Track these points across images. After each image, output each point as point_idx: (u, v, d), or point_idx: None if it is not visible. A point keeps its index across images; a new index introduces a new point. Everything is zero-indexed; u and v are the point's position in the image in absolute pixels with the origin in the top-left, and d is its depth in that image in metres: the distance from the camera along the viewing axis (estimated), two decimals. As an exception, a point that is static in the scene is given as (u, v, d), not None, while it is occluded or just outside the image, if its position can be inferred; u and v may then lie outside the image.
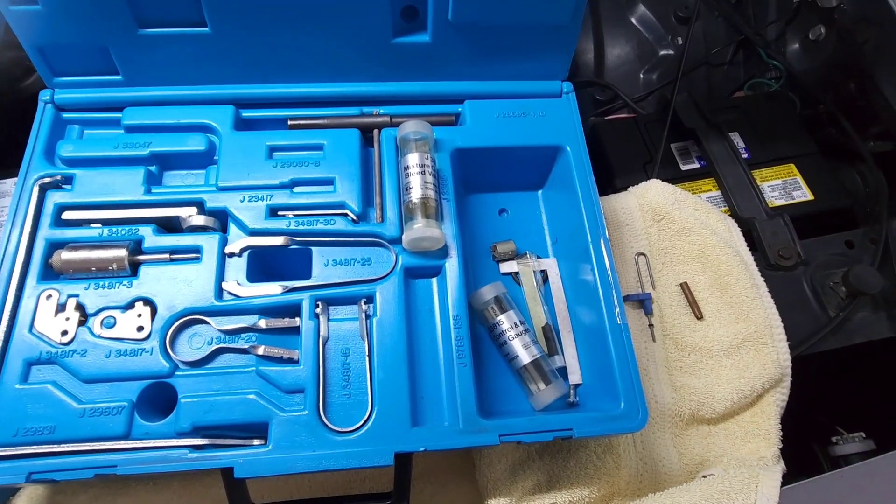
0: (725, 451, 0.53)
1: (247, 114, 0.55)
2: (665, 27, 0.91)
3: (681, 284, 0.59)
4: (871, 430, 0.62)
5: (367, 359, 0.45)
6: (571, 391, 0.50)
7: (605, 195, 0.65)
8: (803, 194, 0.70)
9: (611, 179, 0.74)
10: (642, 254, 0.60)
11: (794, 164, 0.72)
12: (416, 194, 0.49)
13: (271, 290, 0.47)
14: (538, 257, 0.56)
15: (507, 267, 0.55)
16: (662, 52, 0.92)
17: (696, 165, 0.73)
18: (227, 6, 0.49)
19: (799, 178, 0.71)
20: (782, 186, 0.70)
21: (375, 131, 0.55)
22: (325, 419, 0.42)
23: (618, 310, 0.48)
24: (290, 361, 0.45)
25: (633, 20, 0.93)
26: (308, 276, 0.48)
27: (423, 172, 0.50)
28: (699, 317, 0.57)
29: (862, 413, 0.68)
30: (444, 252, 0.49)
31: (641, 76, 0.92)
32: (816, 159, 0.72)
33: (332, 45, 0.53)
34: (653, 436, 0.52)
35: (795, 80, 0.81)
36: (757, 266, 0.60)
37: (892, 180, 0.73)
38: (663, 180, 0.72)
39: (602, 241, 0.50)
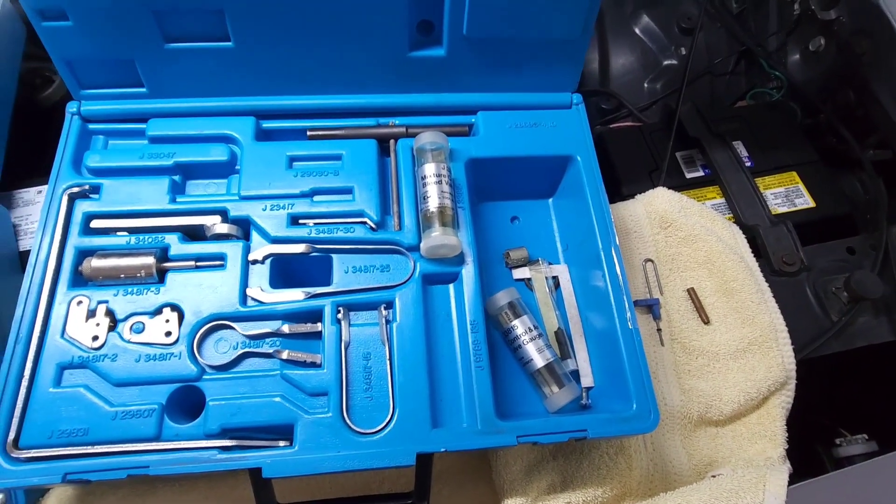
0: (733, 452, 0.54)
1: (267, 125, 0.57)
2: (668, 37, 0.93)
3: (688, 290, 0.61)
4: (874, 432, 0.63)
5: (387, 363, 0.46)
6: (584, 394, 0.52)
7: (612, 203, 0.66)
8: (805, 201, 0.72)
9: (617, 187, 0.75)
10: (650, 260, 0.62)
11: (796, 172, 0.74)
12: (433, 203, 0.51)
13: (294, 297, 0.49)
14: (549, 263, 0.58)
15: (519, 273, 0.57)
16: (666, 62, 0.94)
17: (701, 173, 0.75)
18: (250, 22, 0.50)
19: (801, 186, 0.73)
20: (785, 194, 0.72)
21: (392, 142, 0.57)
22: (348, 421, 0.44)
23: (629, 314, 0.49)
24: (314, 365, 0.47)
25: (637, 31, 0.95)
26: (329, 282, 0.50)
27: (439, 182, 0.52)
28: (706, 321, 0.59)
29: (865, 415, 0.70)
30: (460, 259, 0.51)
31: (646, 85, 0.94)
32: (817, 167, 0.74)
33: (351, 58, 0.55)
34: (663, 437, 0.54)
35: (796, 89, 0.83)
36: (761, 272, 0.62)
37: (892, 188, 0.75)
38: (670, 188, 0.74)
39: (613, 248, 0.52)
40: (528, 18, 0.52)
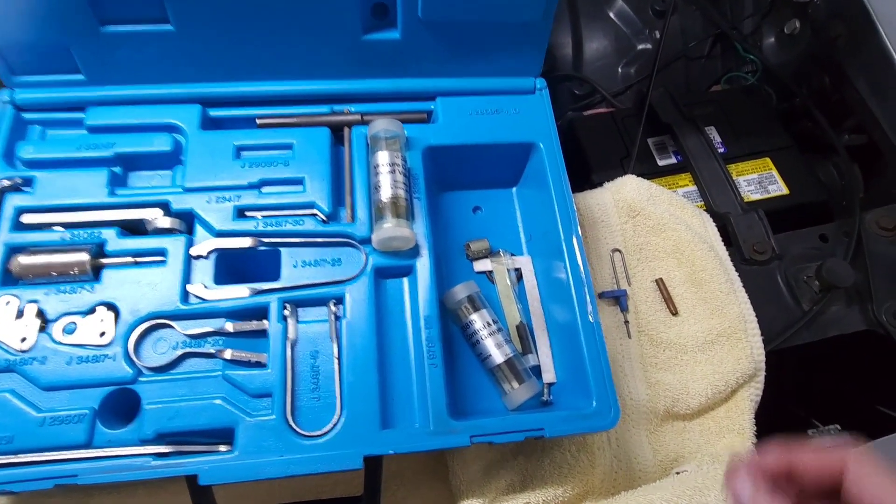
0: (700, 447, 0.53)
1: (215, 113, 0.54)
2: (643, 21, 0.91)
3: (656, 280, 0.59)
4: (847, 423, 0.62)
5: (335, 361, 0.44)
6: (545, 390, 0.50)
7: (580, 191, 0.65)
8: (779, 188, 0.70)
9: (588, 175, 0.73)
10: (618, 250, 0.60)
11: (770, 158, 0.72)
12: (385, 193, 0.48)
13: (239, 293, 0.46)
14: (512, 255, 0.56)
15: (480, 265, 0.55)
16: (640, 46, 0.91)
17: (673, 160, 0.73)
18: (190, 4, 0.48)
19: (774, 172, 0.71)
20: (758, 181, 0.71)
21: (346, 129, 0.54)
22: (292, 423, 0.42)
23: (590, 308, 0.47)
24: (258, 365, 0.44)
25: (612, 14, 0.93)
26: (277, 277, 0.48)
27: (392, 171, 0.49)
28: (674, 313, 0.57)
29: (837, 405, 0.69)
30: (415, 251, 0.49)
31: (619, 70, 0.92)
32: (792, 153, 0.73)
33: (301, 42, 0.52)
34: (627, 433, 0.52)
35: (771, 73, 0.81)
36: (732, 261, 0.60)
37: (867, 173, 0.74)
38: (640, 175, 0.72)
39: (574, 239, 0.50)
40: (486, 1, 0.50)
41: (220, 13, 0.49)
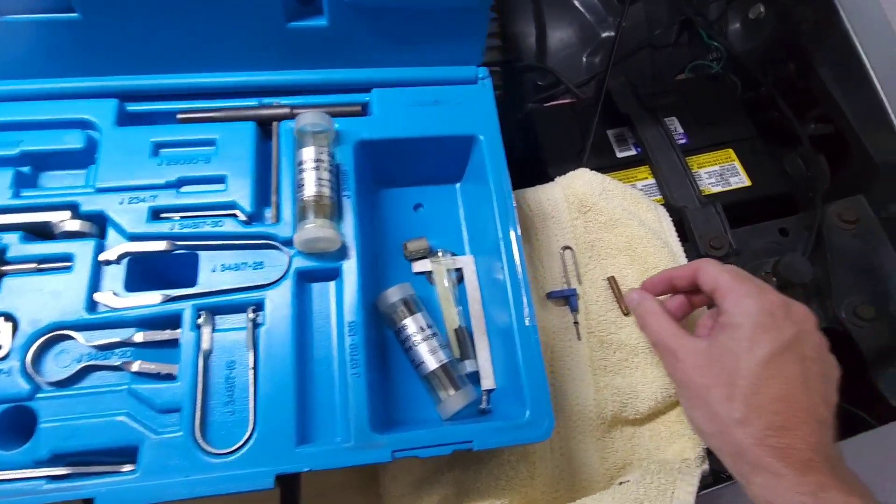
0: (650, 453, 0.51)
1: (133, 107, 0.51)
2: (607, 8, 0.88)
3: (608, 279, 0.56)
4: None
5: (251, 372, 0.41)
6: (484, 397, 0.48)
7: (533, 186, 0.62)
8: (740, 180, 0.67)
9: (544, 169, 0.71)
10: (568, 247, 0.57)
11: (733, 149, 0.70)
12: (308, 191, 0.45)
13: (150, 300, 0.43)
14: (453, 255, 0.53)
15: (419, 266, 0.52)
16: (605, 35, 0.88)
17: (633, 152, 0.70)
18: (94, -11, 0.44)
19: (737, 164, 0.69)
20: (719, 172, 0.68)
21: (274, 124, 0.51)
22: (200, 440, 0.39)
23: (527, 311, 0.45)
24: (168, 377, 0.41)
25: (575, 2, 0.89)
26: (194, 283, 0.45)
27: (317, 168, 0.46)
28: (626, 312, 0.54)
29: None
30: (342, 253, 0.46)
31: (584, 59, 0.89)
32: (755, 144, 0.70)
33: (222, 30, 0.49)
34: (573, 440, 0.50)
35: (736, 61, 0.78)
36: (687, 257, 0.57)
37: (835, 164, 0.71)
38: (599, 168, 0.69)
39: (513, 236, 0.47)
40: (413, -17, 0.47)
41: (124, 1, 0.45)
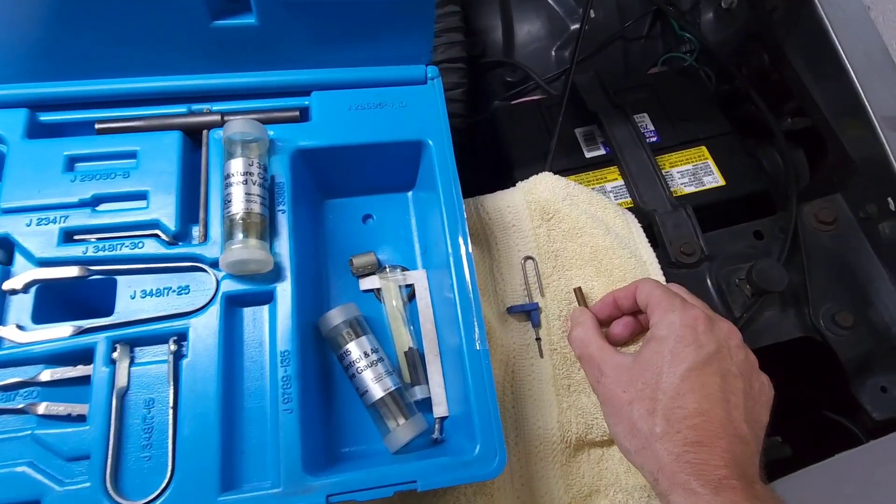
0: (619, 478, 0.47)
1: (46, 118, 0.46)
2: (576, 0, 0.84)
3: (574, 290, 0.53)
4: (787, 434, 0.57)
5: (171, 411, 0.37)
6: (437, 426, 0.44)
7: (493, 192, 0.58)
8: (714, 179, 0.64)
9: (510, 171, 0.67)
10: (530, 258, 0.53)
11: (706, 147, 0.66)
12: (236, 208, 0.41)
13: (59, 333, 0.39)
14: (404, 270, 0.49)
15: (367, 283, 0.48)
16: (574, 27, 0.84)
17: (602, 152, 0.66)
18: (-10, -10, 0.40)
19: (710, 162, 0.65)
20: (692, 172, 0.65)
21: (204, 132, 0.47)
22: (111, 490, 0.35)
23: (477, 333, 0.41)
24: (79, 419, 0.37)
25: (543, -7, 0.85)
26: (112, 311, 0.41)
27: (246, 182, 0.42)
28: (591, 327, 0.51)
29: (783, 414, 0.64)
30: (276, 275, 0.42)
31: (553, 53, 0.85)
32: (730, 140, 0.67)
33: (141, 31, 0.44)
34: (534, 468, 0.46)
35: (709, 53, 0.75)
36: (659, 265, 0.54)
37: (814, 160, 0.68)
38: (567, 170, 0.66)
39: (463, 251, 0.43)
40: (347, -25, 0.42)
41: (32, 3, 0.41)
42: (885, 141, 0.50)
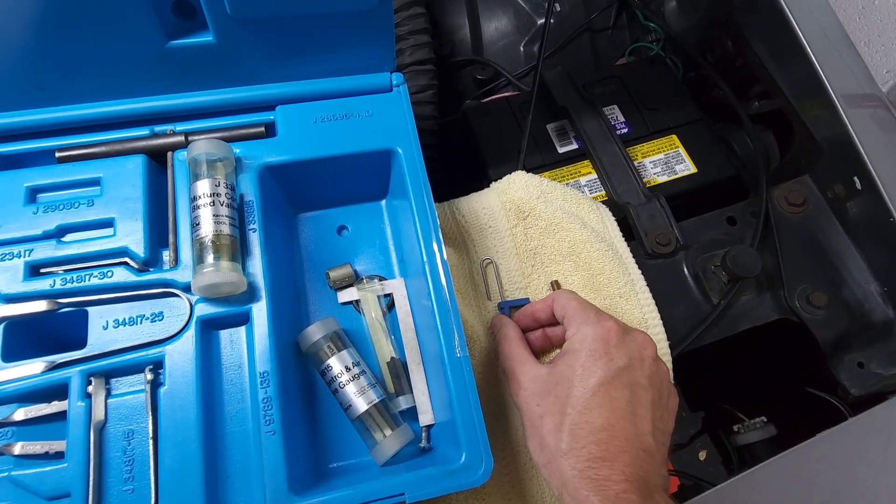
0: (608, 472, 0.48)
1: (5, 149, 0.45)
2: (541, -6, 0.84)
3: (551, 283, 0.53)
4: (772, 414, 0.58)
5: (150, 441, 0.37)
6: (424, 434, 0.44)
7: (468, 194, 0.58)
8: (686, 167, 0.65)
9: (484, 170, 0.67)
10: (489, 260, 0.53)
11: (677, 136, 0.67)
12: (205, 230, 0.41)
13: (31, 370, 0.38)
14: (382, 280, 0.49)
15: (345, 295, 0.48)
16: (541, 21, 0.84)
17: (575, 146, 0.67)
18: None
19: (681, 151, 0.66)
20: (664, 161, 0.65)
21: (169, 154, 0.46)
22: (94, 528, 0.35)
23: (457, 339, 0.41)
24: (57, 456, 0.37)
25: (508, -11, 0.85)
26: (85, 343, 0.40)
27: (214, 203, 0.42)
28: (570, 323, 0.51)
29: (766, 393, 0.65)
30: (250, 295, 0.41)
31: (522, 49, 0.85)
32: (700, 127, 0.67)
33: (96, 55, 0.43)
34: (523, 468, 0.46)
35: (675, 42, 0.75)
36: (635, 257, 0.54)
37: (783, 143, 0.69)
38: (540, 166, 0.66)
39: (438, 258, 0.43)
40: (301, -12, 0.42)
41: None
42: (846, 119, 0.51)
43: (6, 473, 0.36)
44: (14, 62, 0.42)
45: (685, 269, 0.55)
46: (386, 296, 0.48)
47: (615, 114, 0.68)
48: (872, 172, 0.50)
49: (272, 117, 0.48)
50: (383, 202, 0.52)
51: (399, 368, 0.46)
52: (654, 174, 0.64)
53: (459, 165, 0.73)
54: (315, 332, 0.43)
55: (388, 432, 0.42)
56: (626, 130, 0.67)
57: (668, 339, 0.50)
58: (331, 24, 0.45)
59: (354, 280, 0.48)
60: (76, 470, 0.36)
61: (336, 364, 0.43)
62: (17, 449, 0.37)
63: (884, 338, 0.52)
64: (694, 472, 0.55)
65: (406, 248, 0.49)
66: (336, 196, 0.51)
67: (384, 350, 0.46)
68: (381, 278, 0.49)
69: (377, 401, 0.42)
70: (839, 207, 0.56)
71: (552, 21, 0.84)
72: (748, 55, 0.64)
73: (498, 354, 0.46)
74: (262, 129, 0.48)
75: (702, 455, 0.58)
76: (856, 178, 0.52)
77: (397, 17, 0.70)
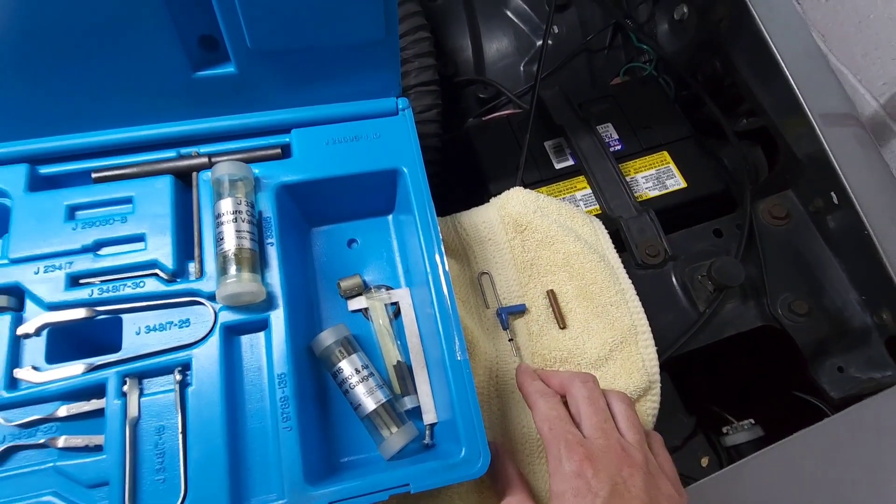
0: (599, 469, 0.51)
1: (46, 170, 0.50)
2: (539, 17, 0.88)
3: (547, 292, 0.57)
4: (759, 416, 0.61)
5: (180, 435, 0.41)
6: (428, 432, 0.47)
7: (468, 209, 0.62)
8: (676, 182, 0.68)
9: (485, 185, 0.71)
10: (485, 273, 0.57)
11: (667, 152, 0.70)
12: (228, 245, 0.45)
13: (72, 371, 0.42)
14: (388, 289, 0.53)
15: (355, 304, 0.52)
16: (540, 42, 0.89)
17: (570, 163, 0.71)
18: (-13, 58, 0.43)
19: (672, 166, 0.69)
20: (656, 176, 0.69)
21: (194, 174, 0.50)
22: (130, 513, 0.38)
23: (457, 344, 0.45)
24: (96, 449, 0.41)
25: (508, 12, 0.90)
26: (119, 347, 0.44)
27: (236, 220, 0.46)
28: (563, 326, 0.55)
29: (755, 397, 0.68)
30: (269, 303, 0.45)
31: (522, 69, 0.89)
32: (689, 144, 0.71)
33: (128, 85, 0.48)
34: (521, 464, 0.50)
35: (666, 62, 0.79)
36: (626, 267, 0.58)
37: (770, 158, 0.72)
38: (538, 181, 0.70)
39: (440, 269, 0.47)
40: (316, 26, 0.46)
41: (24, 66, 0.44)
42: (822, 137, 0.54)
43: (52, 464, 0.40)
44: (56, 93, 0.47)
45: (673, 279, 0.59)
46: (392, 304, 0.52)
47: (609, 131, 0.72)
48: (847, 188, 0.53)
49: (288, 140, 0.53)
50: (390, 217, 0.56)
51: (404, 371, 0.49)
52: (647, 188, 0.68)
53: (461, 179, 0.77)
54: (327, 337, 0.47)
55: (394, 429, 0.45)
56: (619, 147, 0.71)
57: (657, 345, 0.54)
58: (342, 54, 0.50)
59: (363, 289, 0.52)
60: (113, 461, 0.40)
61: (347, 366, 0.47)
62: (61, 442, 0.41)
63: (862, 343, 0.55)
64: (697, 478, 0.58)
65: (411, 259, 0.53)
66: (346, 211, 0.55)
67: (391, 354, 0.50)
68: (388, 288, 0.53)
69: (384, 401, 0.46)
70: (819, 220, 0.59)
71: (550, 42, 0.89)
72: (735, 76, 0.67)
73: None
74: (279, 150, 0.52)
75: (704, 461, 0.61)
76: (833, 194, 0.55)
77: (403, 41, 0.74)
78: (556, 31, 0.87)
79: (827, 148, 0.54)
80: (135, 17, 0.43)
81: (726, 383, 0.67)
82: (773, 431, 0.60)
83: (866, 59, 0.83)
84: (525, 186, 0.62)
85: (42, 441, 0.41)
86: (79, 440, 0.41)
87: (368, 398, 0.46)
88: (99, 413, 0.42)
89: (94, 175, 0.50)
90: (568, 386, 0.46)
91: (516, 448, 0.50)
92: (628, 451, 0.41)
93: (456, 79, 0.88)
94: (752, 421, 0.61)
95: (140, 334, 0.44)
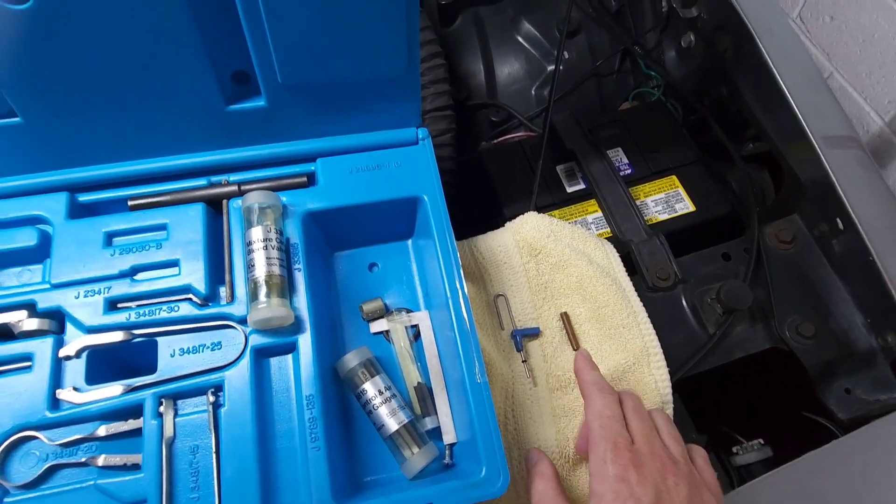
0: (614, 487, 0.52)
1: (84, 198, 0.52)
2: (550, 42, 0.91)
3: (561, 315, 0.58)
4: (768, 436, 0.62)
5: (213, 455, 0.43)
6: (447, 452, 0.49)
7: (484, 233, 0.64)
8: (685, 206, 0.70)
9: (499, 208, 0.73)
10: (501, 295, 0.59)
11: (676, 176, 0.72)
12: (259, 272, 0.47)
13: (111, 392, 0.44)
14: (409, 312, 0.55)
15: (377, 326, 0.54)
16: (550, 67, 0.91)
17: (582, 186, 0.73)
18: (35, 96, 0.46)
19: (681, 190, 0.71)
20: (665, 200, 0.71)
21: (224, 201, 0.53)
22: (168, 530, 0.40)
23: (477, 366, 0.47)
24: (134, 468, 0.43)
25: (519, 38, 0.93)
26: (154, 370, 0.46)
27: (266, 247, 0.48)
28: (576, 348, 0.57)
29: (765, 417, 0.69)
30: (297, 327, 0.47)
31: (533, 93, 0.92)
32: (698, 168, 0.73)
33: (164, 118, 0.50)
34: (537, 483, 0.51)
35: (674, 88, 0.81)
36: (637, 290, 0.60)
37: (777, 182, 0.74)
38: (550, 205, 0.72)
39: (459, 294, 0.49)
40: (343, 62, 0.48)
41: (70, 102, 0.47)
42: (825, 162, 0.56)
43: (93, 482, 0.42)
44: (97, 125, 0.49)
45: (683, 302, 0.61)
46: (413, 326, 0.54)
47: (619, 156, 0.74)
48: (851, 213, 0.55)
49: (313, 168, 0.55)
50: (410, 242, 0.58)
51: (425, 392, 0.51)
52: (656, 212, 0.70)
53: (476, 200, 0.79)
54: (351, 359, 0.49)
55: (416, 450, 0.47)
56: (629, 171, 0.73)
57: (669, 366, 0.55)
58: (366, 87, 0.52)
59: (384, 312, 0.54)
60: (151, 479, 0.42)
61: (370, 388, 0.49)
62: (101, 461, 0.43)
63: (868, 366, 0.57)
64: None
65: (431, 283, 0.55)
66: (368, 236, 0.57)
67: (411, 375, 0.52)
68: (409, 311, 0.55)
69: (406, 421, 0.48)
70: (825, 244, 0.61)
71: (561, 67, 0.91)
72: (740, 101, 0.69)
73: (533, 495, 0.46)
74: (305, 178, 0.55)
75: None
76: (838, 220, 0.57)
77: (420, 67, 0.77)
78: (566, 56, 0.90)
79: (830, 173, 0.56)
80: (175, 54, 0.46)
81: (736, 404, 0.68)
82: (781, 452, 0.61)
83: (871, 77, 0.85)
84: (538, 209, 0.64)
85: (83, 459, 0.43)
86: (117, 459, 0.43)
87: (391, 419, 0.48)
88: (136, 433, 0.44)
89: (130, 203, 0.52)
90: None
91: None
92: (674, 460, 0.41)
93: (469, 102, 0.91)
94: (762, 441, 0.62)
95: (174, 356, 0.46)
